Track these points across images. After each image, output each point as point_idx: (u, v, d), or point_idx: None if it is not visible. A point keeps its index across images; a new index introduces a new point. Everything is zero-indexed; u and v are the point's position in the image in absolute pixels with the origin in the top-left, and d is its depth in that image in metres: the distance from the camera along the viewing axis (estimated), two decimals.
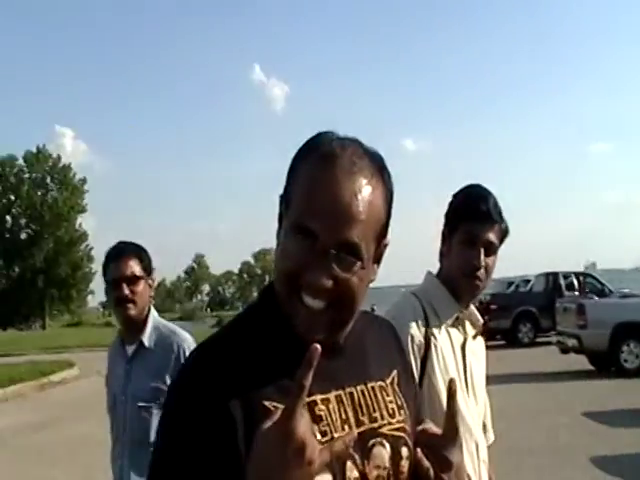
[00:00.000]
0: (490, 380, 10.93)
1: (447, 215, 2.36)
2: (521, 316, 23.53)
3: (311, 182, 1.27)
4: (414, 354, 2.13)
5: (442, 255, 2.36)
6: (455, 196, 2.37)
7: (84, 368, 21.14)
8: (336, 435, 1.24)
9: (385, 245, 1.36)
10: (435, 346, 2.19)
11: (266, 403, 1.21)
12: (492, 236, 2.25)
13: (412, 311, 2.24)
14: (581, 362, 16.70)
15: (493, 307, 23.39)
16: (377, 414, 1.35)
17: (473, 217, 2.25)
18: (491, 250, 2.26)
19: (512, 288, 27.87)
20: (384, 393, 1.39)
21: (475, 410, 2.30)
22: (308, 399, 1.18)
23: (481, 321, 2.40)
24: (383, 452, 1.31)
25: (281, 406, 1.11)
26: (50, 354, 28.42)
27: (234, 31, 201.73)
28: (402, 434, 1.37)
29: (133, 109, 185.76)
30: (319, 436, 1.22)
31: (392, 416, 1.37)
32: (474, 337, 2.39)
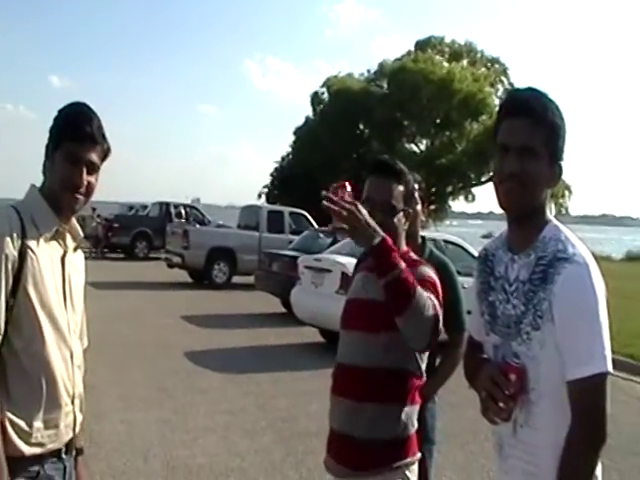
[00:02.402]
0: (110, 286, 11.05)
1: (52, 131, 2.06)
2: (138, 235, 23.60)
3: None
4: (6, 268, 1.89)
5: (45, 169, 2.07)
6: (60, 112, 2.08)
7: None
8: None
9: None
10: (32, 258, 1.93)
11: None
12: (94, 156, 2.03)
13: (8, 224, 1.94)
14: (183, 275, 17.26)
15: (116, 226, 23.58)
16: None
17: (77, 138, 2.00)
18: (93, 169, 2.05)
19: (133, 211, 27.85)
20: None
21: (72, 318, 2.09)
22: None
23: (81, 235, 2.17)
24: None
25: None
26: None
27: None
28: None
29: None
30: None
31: None
32: (74, 250, 2.15)
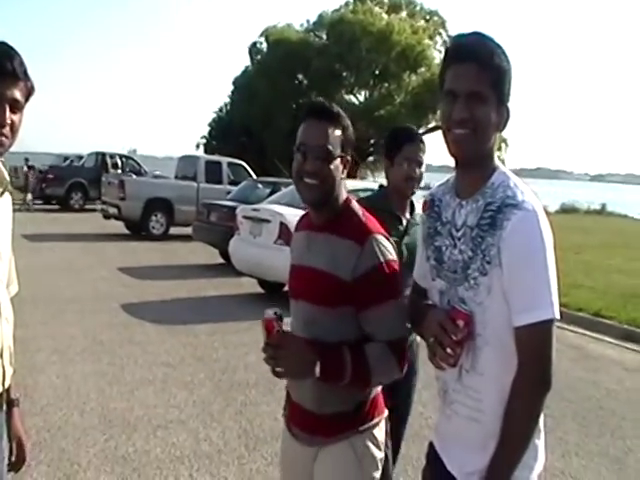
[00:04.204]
0: (44, 239, 10.73)
1: None
2: (73, 186, 23.05)
3: None
4: None
5: None
6: None
7: None
8: None
9: None
10: None
11: None
12: (17, 93, 1.85)
13: None
14: (119, 227, 16.89)
15: (50, 176, 23.04)
16: None
17: None
18: (17, 107, 1.87)
19: (67, 162, 27.17)
20: None
21: None
22: None
23: (8, 179, 2.00)
24: None
25: None
26: None
27: None
28: None
29: None
30: None
31: None
32: (0, 195, 1.98)
